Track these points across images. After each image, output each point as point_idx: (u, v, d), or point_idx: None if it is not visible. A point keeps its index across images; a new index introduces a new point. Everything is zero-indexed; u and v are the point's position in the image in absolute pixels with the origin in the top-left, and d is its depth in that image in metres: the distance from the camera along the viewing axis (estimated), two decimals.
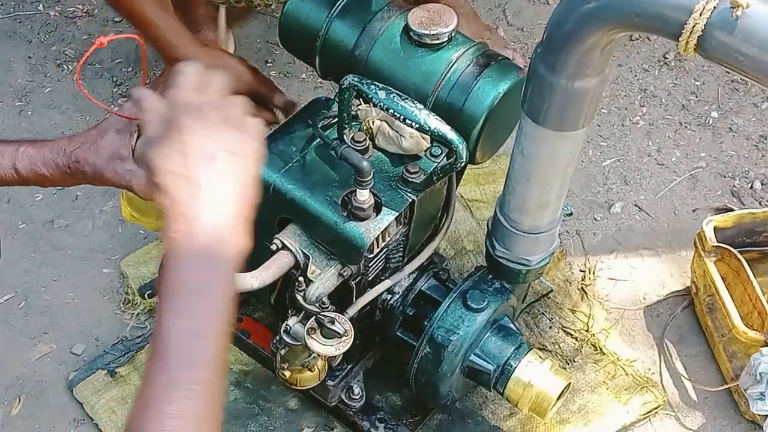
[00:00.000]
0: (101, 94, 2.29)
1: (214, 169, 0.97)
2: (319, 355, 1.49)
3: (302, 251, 1.45)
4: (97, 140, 1.24)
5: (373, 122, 1.50)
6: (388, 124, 1.49)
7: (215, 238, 0.95)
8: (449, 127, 1.40)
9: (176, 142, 0.98)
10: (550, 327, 1.92)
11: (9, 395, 1.82)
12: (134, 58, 2.36)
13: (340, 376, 1.66)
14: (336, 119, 1.49)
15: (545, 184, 1.46)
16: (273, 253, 1.45)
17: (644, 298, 2.00)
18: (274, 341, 1.52)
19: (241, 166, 1.00)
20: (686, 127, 2.29)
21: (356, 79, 1.42)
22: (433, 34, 1.47)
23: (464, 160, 1.41)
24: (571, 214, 1.63)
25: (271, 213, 1.48)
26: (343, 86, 1.43)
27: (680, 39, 1.10)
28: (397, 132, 1.48)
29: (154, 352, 0.91)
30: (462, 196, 2.07)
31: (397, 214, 1.45)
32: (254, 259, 1.41)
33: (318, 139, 1.50)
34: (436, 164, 1.47)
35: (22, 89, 2.30)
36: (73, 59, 2.36)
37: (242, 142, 1.01)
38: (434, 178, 1.46)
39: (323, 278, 1.45)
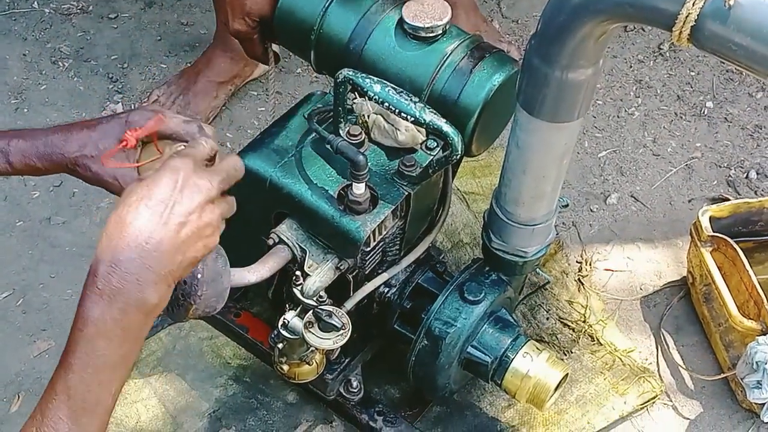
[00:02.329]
0: (97, 91, 2.29)
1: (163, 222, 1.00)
2: (317, 348, 1.49)
3: (299, 245, 1.45)
4: (99, 146, 1.21)
5: (368, 116, 1.50)
6: (383, 117, 1.49)
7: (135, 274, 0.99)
8: (444, 120, 1.40)
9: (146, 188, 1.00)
10: (548, 318, 1.92)
11: (8, 392, 1.82)
12: (129, 54, 2.36)
13: (339, 370, 1.66)
14: (331, 113, 1.49)
15: (541, 175, 1.46)
16: (270, 247, 1.45)
17: (641, 289, 2.00)
18: (272, 336, 1.52)
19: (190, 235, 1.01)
20: (681, 117, 2.29)
21: (351, 72, 1.42)
22: (427, 27, 1.46)
23: (460, 152, 1.41)
24: (567, 205, 1.63)
25: (268, 207, 1.49)
26: (338, 80, 1.43)
27: (673, 29, 1.10)
28: (392, 125, 1.48)
29: (55, 404, 0.96)
30: (458, 189, 2.07)
31: (394, 207, 1.45)
32: (251, 254, 1.42)
33: (314, 134, 1.50)
34: (431, 157, 1.47)
35: (17, 87, 2.30)
36: (68, 56, 2.35)
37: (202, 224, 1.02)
38: (430, 171, 1.46)
39: (320, 272, 1.45)
